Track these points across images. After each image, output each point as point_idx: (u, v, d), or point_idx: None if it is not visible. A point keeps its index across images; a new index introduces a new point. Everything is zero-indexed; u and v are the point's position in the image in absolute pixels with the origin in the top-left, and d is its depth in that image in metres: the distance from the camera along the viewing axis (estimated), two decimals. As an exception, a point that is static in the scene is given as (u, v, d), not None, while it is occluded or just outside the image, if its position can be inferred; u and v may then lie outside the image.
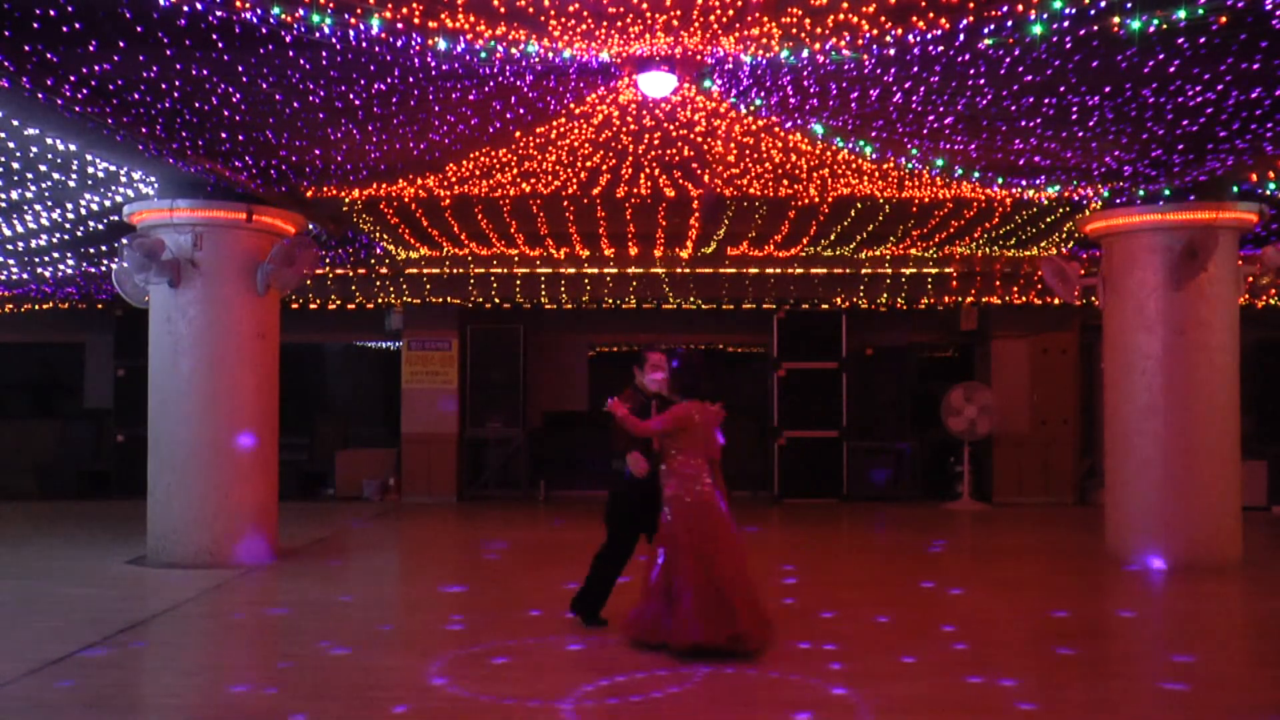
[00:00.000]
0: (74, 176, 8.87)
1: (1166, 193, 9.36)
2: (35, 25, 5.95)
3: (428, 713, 5.28)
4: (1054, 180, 9.60)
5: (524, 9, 6.02)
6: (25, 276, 13.25)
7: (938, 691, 5.63)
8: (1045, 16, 5.74)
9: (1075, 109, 7.71)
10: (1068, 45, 6.33)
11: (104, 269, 12.50)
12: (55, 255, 12.05)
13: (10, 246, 11.39)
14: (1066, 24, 5.86)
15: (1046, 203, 10.55)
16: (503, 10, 6.06)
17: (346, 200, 10.70)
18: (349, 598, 8.27)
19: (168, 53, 6.50)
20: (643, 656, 6.20)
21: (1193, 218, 9.39)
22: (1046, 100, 7.53)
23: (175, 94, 7.36)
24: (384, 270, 14.13)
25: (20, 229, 10.60)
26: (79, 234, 10.95)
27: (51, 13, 5.82)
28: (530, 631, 6.92)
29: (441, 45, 6.28)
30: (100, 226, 10.66)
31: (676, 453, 6.54)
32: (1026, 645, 6.80)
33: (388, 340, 16.99)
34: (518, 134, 8.46)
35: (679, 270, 14.02)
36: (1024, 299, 14.13)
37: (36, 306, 15.36)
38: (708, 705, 5.39)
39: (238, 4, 5.66)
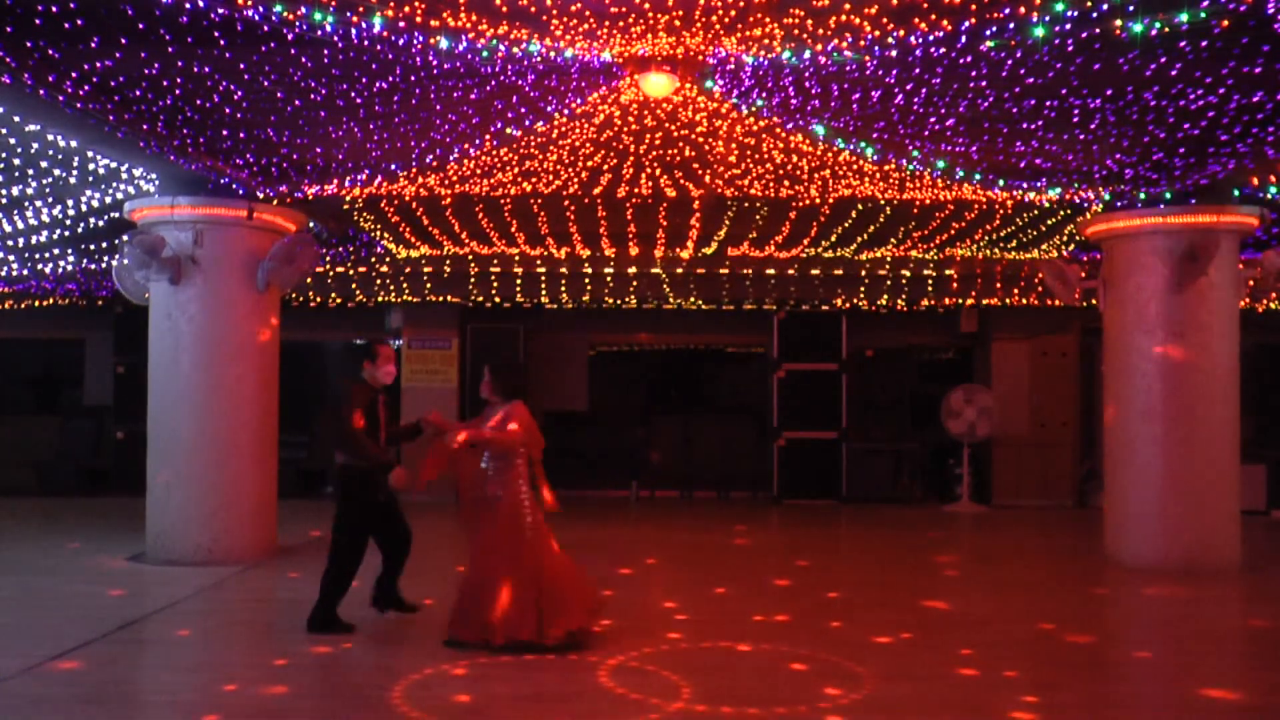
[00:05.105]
0: (75, 173, 8.88)
1: (1168, 196, 9.37)
2: (37, 21, 5.96)
3: (426, 710, 5.28)
4: (1055, 183, 9.60)
5: (526, 8, 6.02)
6: (26, 273, 13.25)
7: (932, 691, 5.63)
8: (1047, 19, 5.75)
9: (1077, 112, 7.71)
10: (1069, 48, 6.34)
11: (104, 266, 12.51)
12: (56, 252, 12.06)
13: (11, 243, 11.39)
14: (1068, 26, 5.86)
15: (1048, 205, 10.56)
16: (505, 9, 6.06)
17: (347, 198, 10.71)
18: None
19: (169, 50, 6.51)
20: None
21: (1193, 221, 9.39)
22: (1048, 103, 7.54)
23: (177, 91, 7.37)
24: (384, 268, 14.13)
25: (21, 225, 10.60)
26: (79, 231, 10.95)
27: (54, 9, 5.82)
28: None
29: (443, 44, 6.28)
30: (101, 223, 10.67)
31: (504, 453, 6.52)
32: (1021, 646, 6.79)
33: (388, 339, 16.98)
34: (519, 134, 8.47)
35: (679, 270, 14.02)
36: (1024, 301, 14.13)
37: (37, 303, 15.36)
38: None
39: (240, 1, 5.66)
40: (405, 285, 14.38)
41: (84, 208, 10.03)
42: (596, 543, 11.06)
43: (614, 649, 6.44)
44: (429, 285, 14.35)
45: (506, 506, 6.45)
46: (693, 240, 12.77)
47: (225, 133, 8.42)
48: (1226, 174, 8.75)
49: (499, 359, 6.93)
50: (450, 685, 5.70)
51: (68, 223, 10.61)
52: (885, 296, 14.29)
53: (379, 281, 14.34)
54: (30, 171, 8.73)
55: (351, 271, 14.17)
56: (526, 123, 8.21)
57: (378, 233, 12.52)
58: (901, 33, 6.13)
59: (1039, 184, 9.60)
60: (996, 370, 14.93)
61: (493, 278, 14.26)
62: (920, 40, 6.19)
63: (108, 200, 9.83)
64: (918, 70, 6.89)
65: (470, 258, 13.85)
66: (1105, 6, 5.63)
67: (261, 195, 9.62)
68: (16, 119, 7.37)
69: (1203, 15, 5.65)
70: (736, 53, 6.77)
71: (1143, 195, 9.48)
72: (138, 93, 7.31)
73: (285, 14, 5.80)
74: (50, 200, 9.77)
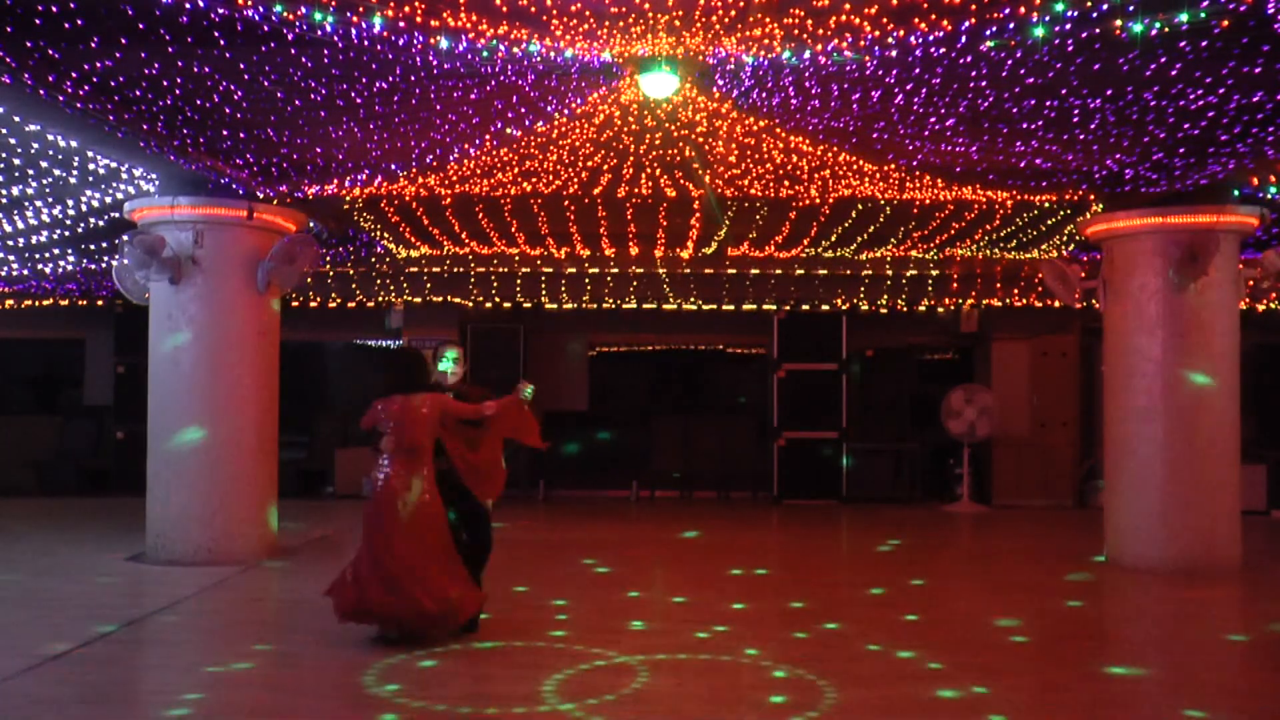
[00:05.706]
0: (75, 173, 8.88)
1: (1168, 196, 9.37)
2: (37, 21, 5.95)
3: (427, 710, 5.29)
4: (1055, 183, 9.60)
5: (526, 8, 6.01)
6: (26, 273, 13.25)
7: (931, 692, 5.64)
8: (1047, 19, 5.74)
9: (1077, 112, 7.71)
10: (1069, 48, 6.33)
11: (104, 266, 12.51)
12: (56, 251, 12.06)
13: (11, 243, 11.40)
14: (1068, 26, 5.86)
15: (1048, 205, 10.55)
16: (505, 9, 6.06)
17: (347, 198, 10.71)
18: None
19: (169, 50, 6.50)
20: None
21: (1194, 221, 9.39)
22: (1048, 103, 7.53)
23: (177, 91, 7.37)
24: (384, 268, 14.14)
25: (21, 225, 10.60)
26: (80, 230, 10.95)
27: (54, 9, 5.82)
28: (522, 627, 6.93)
29: (443, 44, 6.28)
30: (101, 223, 10.66)
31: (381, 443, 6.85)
32: (1021, 647, 6.80)
33: (388, 339, 16.98)
34: (519, 134, 8.47)
35: (679, 270, 14.02)
36: (1024, 301, 14.13)
37: (37, 303, 15.36)
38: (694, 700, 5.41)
39: (240, 1, 5.66)
40: (405, 285, 14.39)
41: (84, 208, 10.03)
42: (596, 543, 11.07)
43: (613, 648, 6.44)
44: (429, 285, 14.36)
45: (372, 492, 6.81)
46: (693, 240, 12.77)
47: (225, 133, 8.41)
48: (1226, 174, 8.75)
49: (391, 357, 7.16)
50: (451, 684, 5.70)
51: (68, 223, 10.60)
52: (885, 297, 14.30)
53: (379, 281, 14.35)
54: (30, 171, 8.72)
55: (351, 271, 14.17)
56: (526, 123, 8.21)
57: (378, 233, 12.52)
58: (901, 33, 6.13)
59: (1039, 184, 9.60)
60: (997, 370, 14.93)
61: (493, 278, 14.27)
62: (920, 40, 6.18)
63: (108, 200, 9.83)
64: (918, 70, 6.88)
65: (470, 258, 13.86)
66: (1105, 6, 5.62)
67: (261, 195, 9.62)
68: (16, 119, 7.37)
69: (1203, 15, 5.64)
70: (736, 53, 6.77)
71: (1143, 195, 9.47)
72: (138, 93, 7.30)
73: (285, 14, 5.80)
74: (50, 200, 9.76)
